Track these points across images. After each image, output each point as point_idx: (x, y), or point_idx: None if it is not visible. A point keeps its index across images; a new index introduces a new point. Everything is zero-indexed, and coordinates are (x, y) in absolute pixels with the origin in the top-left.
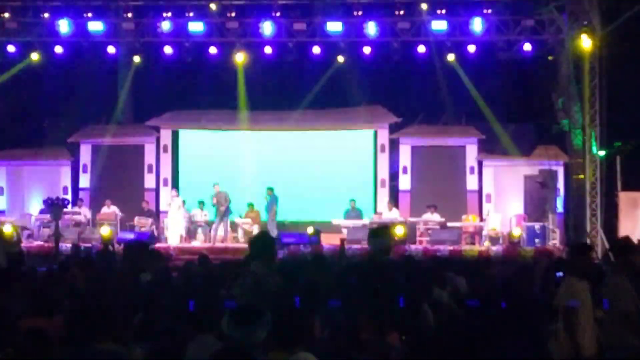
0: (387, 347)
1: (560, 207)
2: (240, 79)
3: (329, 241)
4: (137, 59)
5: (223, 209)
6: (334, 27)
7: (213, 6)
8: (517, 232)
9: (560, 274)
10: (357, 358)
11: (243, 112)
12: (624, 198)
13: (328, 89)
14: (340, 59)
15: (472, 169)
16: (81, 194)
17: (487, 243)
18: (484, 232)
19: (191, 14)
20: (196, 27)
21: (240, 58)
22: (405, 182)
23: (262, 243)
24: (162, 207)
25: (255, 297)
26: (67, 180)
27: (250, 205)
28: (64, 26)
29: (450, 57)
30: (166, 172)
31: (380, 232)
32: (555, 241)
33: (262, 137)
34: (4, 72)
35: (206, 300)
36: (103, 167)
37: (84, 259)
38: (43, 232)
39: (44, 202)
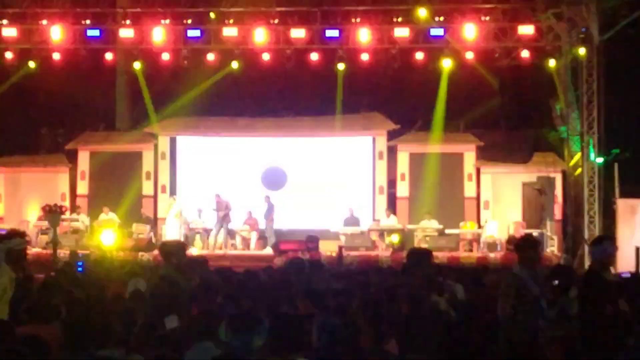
0: (386, 355)
1: (558, 214)
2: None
3: (327, 248)
4: (136, 65)
5: (222, 214)
6: (332, 34)
7: (212, 15)
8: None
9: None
10: None
11: (241, 119)
12: (622, 205)
13: (326, 95)
14: (341, 66)
15: (470, 175)
16: (79, 201)
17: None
18: (482, 239)
19: (189, 21)
20: (194, 34)
21: (235, 65)
22: (403, 189)
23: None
24: (159, 214)
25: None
26: (65, 187)
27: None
28: (61, 33)
29: (448, 63)
30: (164, 178)
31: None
32: (553, 248)
33: (260, 144)
34: (1, 79)
35: (204, 307)
36: (101, 173)
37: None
38: (41, 239)
39: (42, 208)
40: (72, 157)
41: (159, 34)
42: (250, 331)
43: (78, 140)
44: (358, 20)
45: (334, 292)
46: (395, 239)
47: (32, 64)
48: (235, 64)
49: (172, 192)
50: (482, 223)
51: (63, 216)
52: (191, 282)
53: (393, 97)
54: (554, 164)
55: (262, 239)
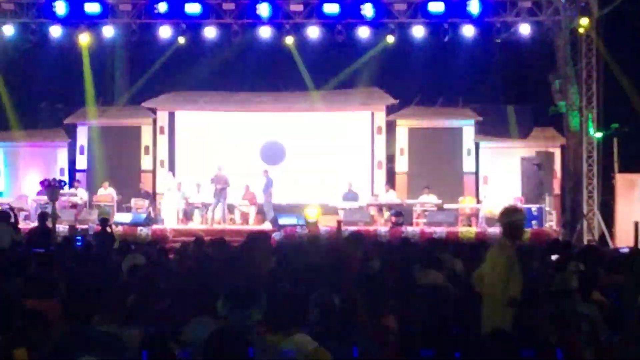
0: (384, 330)
1: (557, 189)
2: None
3: (325, 223)
4: (133, 39)
5: (219, 188)
6: (331, 8)
7: None
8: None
9: (556, 256)
10: (353, 339)
11: (239, 94)
12: (621, 180)
13: (324, 70)
14: (339, 39)
15: (469, 150)
16: (78, 176)
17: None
18: (481, 214)
19: None
20: (193, 8)
21: (237, 39)
22: (402, 164)
23: None
24: (158, 189)
25: None
26: (63, 162)
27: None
28: (60, 7)
29: (447, 38)
30: (163, 153)
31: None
32: (552, 223)
33: (258, 118)
34: (0, 54)
35: (202, 282)
36: (100, 148)
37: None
38: (38, 214)
39: (41, 183)
40: (71, 132)
41: (157, 8)
42: (248, 305)
43: (77, 115)
44: None
45: (331, 266)
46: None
47: (31, 38)
48: (237, 39)
49: (171, 167)
50: (480, 198)
51: (62, 191)
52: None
53: (392, 72)
54: (552, 138)
55: (261, 213)
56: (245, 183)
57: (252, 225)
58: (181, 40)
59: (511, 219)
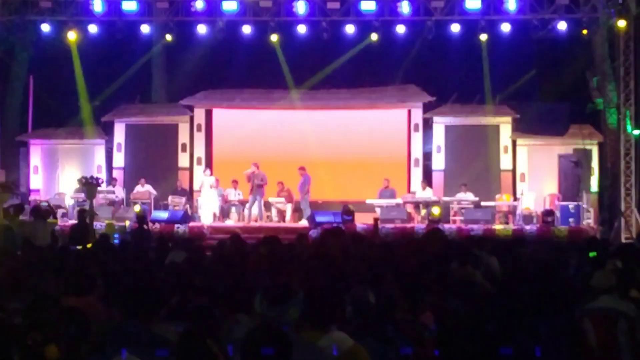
0: (421, 327)
1: (594, 186)
2: (280, 56)
3: (362, 220)
4: (169, 37)
5: (256, 185)
6: (368, 5)
7: None
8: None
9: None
10: (390, 336)
11: (276, 91)
12: None
13: (361, 68)
14: (374, 36)
15: (505, 148)
16: (115, 173)
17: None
18: (518, 212)
19: None
20: (230, 6)
21: (274, 37)
22: (438, 161)
23: None
24: (195, 186)
25: None
26: (101, 159)
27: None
28: (98, 5)
29: (484, 36)
30: (200, 151)
31: None
32: (589, 220)
33: (295, 115)
34: (39, 51)
35: (239, 279)
36: (137, 146)
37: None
38: (77, 211)
39: (79, 181)
40: (108, 130)
41: (196, 5)
42: (285, 303)
43: (114, 113)
44: None
45: (369, 263)
46: (436, 211)
47: (71, 36)
48: (274, 37)
49: (208, 165)
50: (518, 195)
51: (99, 188)
52: None
53: (428, 69)
54: (590, 135)
55: (298, 211)
56: (281, 180)
57: (289, 223)
58: (217, 37)
59: None
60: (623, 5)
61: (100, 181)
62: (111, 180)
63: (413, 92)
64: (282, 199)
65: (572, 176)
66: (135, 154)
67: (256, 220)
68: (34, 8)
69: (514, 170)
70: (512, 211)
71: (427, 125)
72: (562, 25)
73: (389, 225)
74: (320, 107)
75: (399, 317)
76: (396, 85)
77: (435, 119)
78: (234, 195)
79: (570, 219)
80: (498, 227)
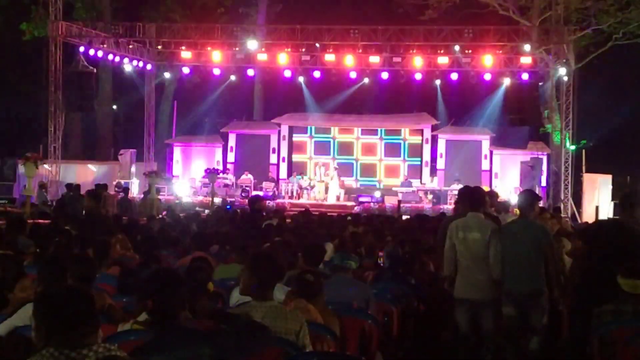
0: (426, 271)
1: (544, 182)
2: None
3: (389, 201)
4: (265, 76)
5: (329, 173)
6: (398, 60)
7: (317, 45)
8: None
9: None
10: (411, 281)
11: (335, 115)
12: (587, 178)
13: (391, 101)
14: (400, 80)
15: (485, 156)
16: (229, 166)
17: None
18: None
19: (303, 50)
20: (305, 57)
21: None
22: (441, 163)
23: None
24: (281, 176)
25: None
26: (219, 157)
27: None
28: (216, 55)
29: (473, 80)
30: (284, 153)
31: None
32: (540, 204)
33: (347, 131)
34: (180, 84)
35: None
36: (243, 148)
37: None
38: (203, 190)
39: (205, 170)
40: (225, 137)
41: (283, 57)
42: (348, 257)
43: (229, 126)
44: (414, 51)
45: (395, 229)
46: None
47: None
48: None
49: (289, 163)
50: (493, 187)
51: (218, 175)
52: None
53: (436, 102)
54: (542, 149)
55: (347, 193)
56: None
57: (342, 202)
58: (297, 78)
59: None
60: (566, 62)
61: (218, 171)
62: (226, 171)
63: (425, 117)
64: (336, 185)
65: (529, 175)
66: (241, 154)
67: (323, 200)
68: (178, 56)
69: (490, 171)
70: None
71: (434, 139)
72: (525, 76)
73: (407, 205)
74: (362, 126)
75: (415, 267)
76: (414, 112)
77: (440, 135)
78: (306, 182)
79: None
80: None
